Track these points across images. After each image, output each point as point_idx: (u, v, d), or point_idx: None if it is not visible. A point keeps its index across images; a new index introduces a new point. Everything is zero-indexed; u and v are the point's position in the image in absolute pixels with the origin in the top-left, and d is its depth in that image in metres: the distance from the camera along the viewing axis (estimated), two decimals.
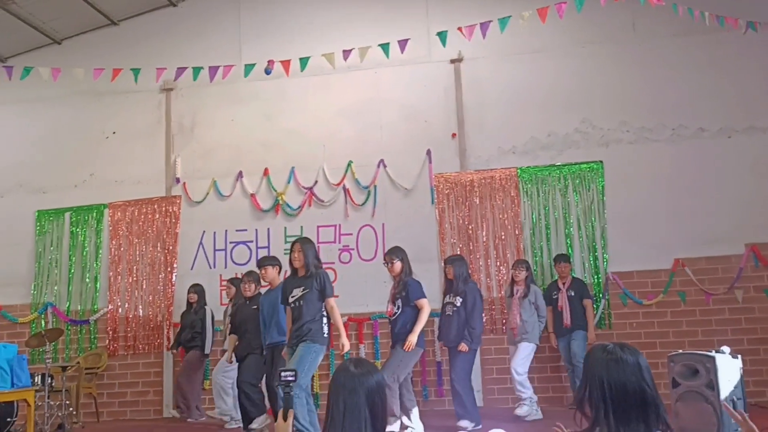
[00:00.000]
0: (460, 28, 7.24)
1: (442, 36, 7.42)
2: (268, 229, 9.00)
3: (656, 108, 8.47)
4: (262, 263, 6.70)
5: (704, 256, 8.12)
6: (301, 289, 5.67)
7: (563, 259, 7.95)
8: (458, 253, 8.26)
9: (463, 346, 6.42)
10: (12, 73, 7.85)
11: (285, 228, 8.96)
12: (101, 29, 9.80)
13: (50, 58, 9.35)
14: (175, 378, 8.52)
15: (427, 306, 6.25)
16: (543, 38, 8.63)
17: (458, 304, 6.63)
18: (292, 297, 5.69)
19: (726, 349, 5.03)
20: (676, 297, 8.12)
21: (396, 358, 6.13)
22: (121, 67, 8.04)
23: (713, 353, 4.94)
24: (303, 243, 5.83)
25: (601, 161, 8.47)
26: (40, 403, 7.13)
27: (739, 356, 5.07)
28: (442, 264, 7.83)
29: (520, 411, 7.01)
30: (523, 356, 7.14)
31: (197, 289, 8.40)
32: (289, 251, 5.98)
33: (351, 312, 8.45)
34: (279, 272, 6.60)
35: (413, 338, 6.12)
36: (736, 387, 4.89)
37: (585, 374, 2.36)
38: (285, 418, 2.55)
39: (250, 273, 7.32)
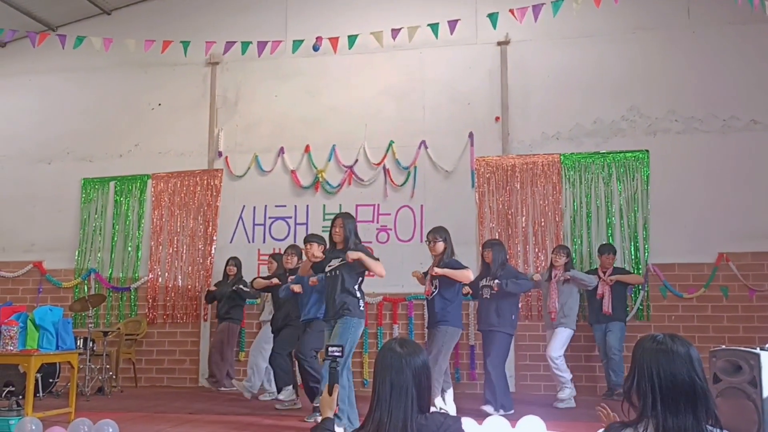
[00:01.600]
0: (511, 11, 7.16)
1: (493, 18, 7.34)
2: (307, 205, 9.05)
3: (707, 98, 8.27)
4: (308, 239, 6.73)
5: (750, 251, 7.94)
6: (339, 260, 5.67)
7: (610, 250, 7.79)
8: (497, 237, 8.20)
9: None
10: (65, 42, 7.98)
11: (324, 205, 9.00)
12: (150, 1, 9.89)
13: (99, 28, 9.47)
14: (210, 349, 8.66)
15: (470, 273, 6.14)
16: (593, 23, 8.47)
17: (495, 288, 6.60)
18: (329, 266, 5.71)
19: None
20: (718, 292, 7.98)
21: (437, 343, 6.07)
22: (169, 40, 8.12)
23: (758, 350, 4.83)
24: (345, 218, 5.84)
25: (647, 150, 8.31)
26: (81, 366, 7.33)
27: None
28: (480, 248, 7.81)
29: (563, 394, 7.01)
30: (560, 341, 7.10)
31: (236, 262, 8.50)
32: (329, 227, 6.00)
33: (386, 292, 8.51)
34: (323, 252, 6.63)
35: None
36: None
37: (633, 364, 2.33)
38: (330, 393, 2.60)
39: (293, 246, 7.40)
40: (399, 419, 2.24)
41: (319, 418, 2.65)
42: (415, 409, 2.27)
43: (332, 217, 8.71)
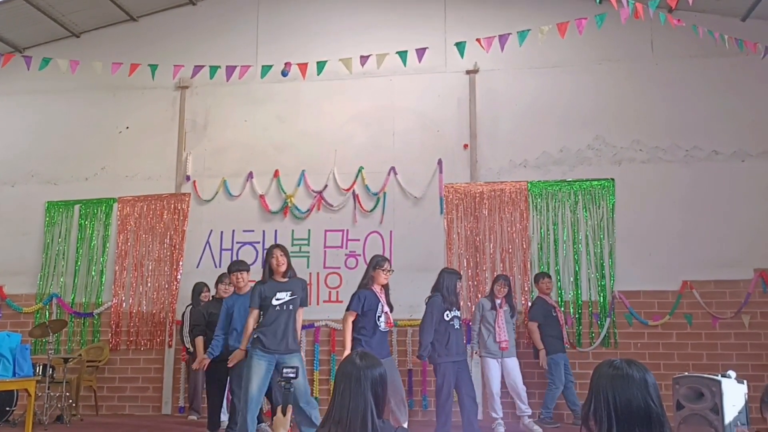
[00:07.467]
0: (478, 40, 7.26)
1: (460, 47, 7.43)
2: (276, 230, 8.98)
3: (671, 128, 8.45)
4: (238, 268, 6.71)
5: (713, 279, 8.07)
6: (289, 294, 5.71)
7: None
8: (464, 264, 8.27)
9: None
10: (30, 64, 7.90)
11: (292, 231, 8.95)
12: (120, 24, 9.85)
13: (68, 50, 9.40)
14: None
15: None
16: (560, 53, 8.63)
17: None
18: (278, 300, 5.68)
19: (732, 373, 4.98)
20: (682, 319, 8.07)
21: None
22: (138, 63, 8.09)
23: (719, 377, 4.89)
24: (285, 249, 5.88)
25: (613, 179, 8.45)
26: (40, 394, 7.14)
27: (745, 381, 5.03)
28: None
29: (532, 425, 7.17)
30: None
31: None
32: (266, 256, 5.86)
33: None
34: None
35: None
36: (740, 412, 4.85)
37: (591, 389, 2.34)
38: (284, 413, 2.62)
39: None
40: (357, 421, 2.35)
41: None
42: (373, 414, 2.38)
43: (300, 242, 8.85)
